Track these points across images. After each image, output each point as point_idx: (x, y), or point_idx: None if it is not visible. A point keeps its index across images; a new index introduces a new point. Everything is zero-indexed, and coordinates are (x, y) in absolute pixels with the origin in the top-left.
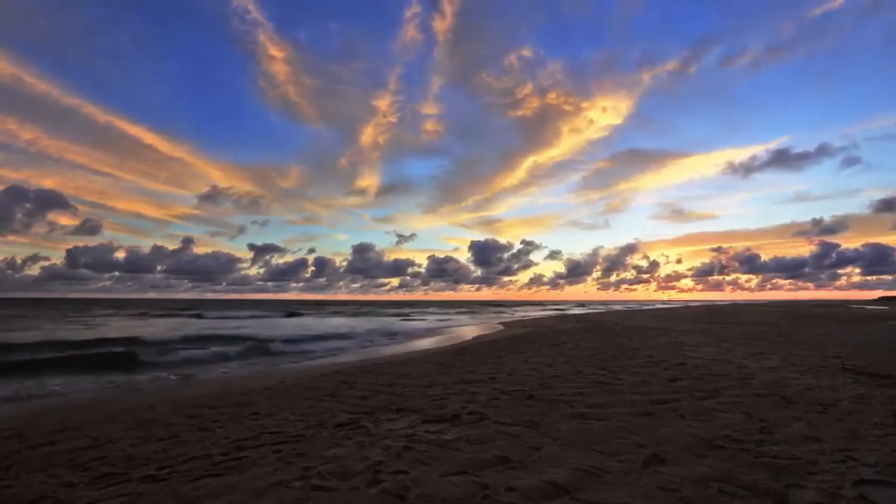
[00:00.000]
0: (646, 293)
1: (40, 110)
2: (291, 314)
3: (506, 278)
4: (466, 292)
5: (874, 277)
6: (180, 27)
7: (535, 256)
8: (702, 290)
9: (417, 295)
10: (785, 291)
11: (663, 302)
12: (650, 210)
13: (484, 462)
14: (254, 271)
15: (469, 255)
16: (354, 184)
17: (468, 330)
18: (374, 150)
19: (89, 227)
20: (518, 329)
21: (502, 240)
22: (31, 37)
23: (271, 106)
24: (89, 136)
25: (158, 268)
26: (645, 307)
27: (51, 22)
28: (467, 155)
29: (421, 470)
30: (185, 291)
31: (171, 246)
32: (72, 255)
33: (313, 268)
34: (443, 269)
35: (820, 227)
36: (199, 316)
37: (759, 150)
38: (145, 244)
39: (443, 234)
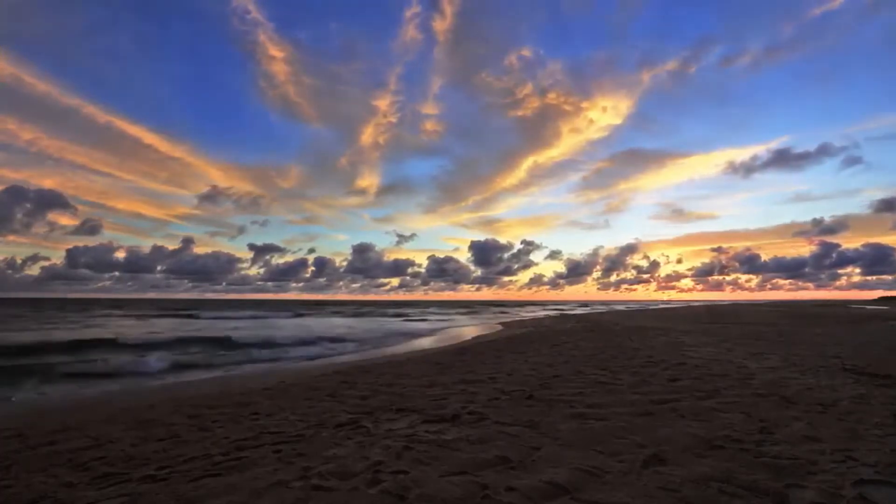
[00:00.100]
0: (646, 293)
1: (40, 110)
2: (298, 314)
3: (506, 278)
4: (466, 292)
5: (874, 277)
6: (180, 27)
7: (535, 256)
8: (702, 290)
9: (417, 295)
10: (785, 291)
11: (663, 302)
12: (650, 210)
13: (484, 462)
14: (254, 271)
15: (469, 255)
16: (354, 184)
17: (468, 330)
18: (374, 150)
19: (89, 227)
20: (518, 329)
21: (502, 240)
22: (31, 37)
23: (271, 106)
24: (89, 136)
25: (158, 268)
26: (645, 307)
27: (51, 22)
28: (467, 155)
29: (421, 470)
30: (185, 291)
31: (171, 246)
32: (72, 255)
33: (313, 268)
34: (443, 269)
35: (820, 227)
36: (192, 316)
37: (759, 149)
38: (145, 244)
39: (443, 234)
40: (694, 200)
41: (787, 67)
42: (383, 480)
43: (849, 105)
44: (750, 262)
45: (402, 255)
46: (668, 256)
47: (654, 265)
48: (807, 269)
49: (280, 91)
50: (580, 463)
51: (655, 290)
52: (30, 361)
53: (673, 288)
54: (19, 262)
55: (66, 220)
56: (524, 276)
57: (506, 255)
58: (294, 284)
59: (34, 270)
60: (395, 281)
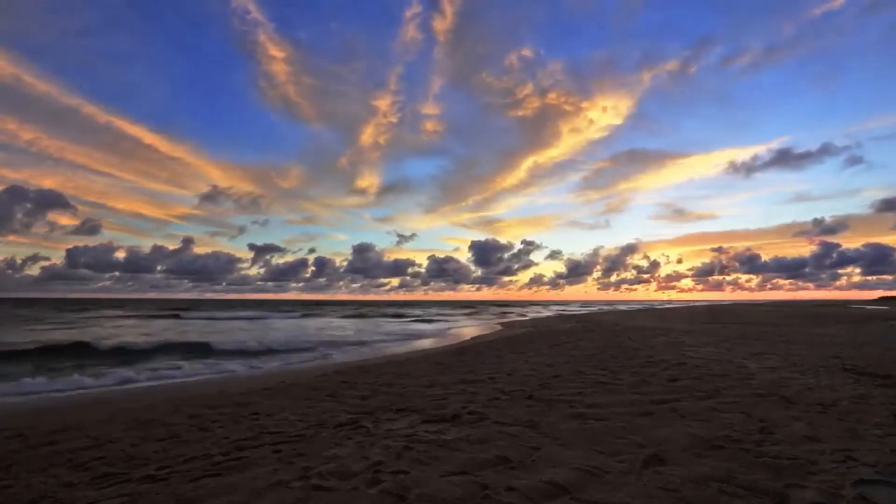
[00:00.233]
0: (646, 293)
1: (40, 110)
2: (291, 315)
3: (506, 278)
4: (467, 292)
5: (874, 277)
6: (180, 27)
7: (535, 256)
8: (702, 290)
9: (418, 295)
10: (785, 291)
11: (663, 302)
12: (650, 210)
13: (484, 462)
14: (254, 271)
15: (469, 255)
16: (354, 184)
17: (468, 330)
18: (375, 150)
19: (89, 227)
20: (518, 329)
21: (503, 240)
22: (31, 37)
23: (271, 106)
24: (89, 136)
25: (158, 268)
26: (646, 307)
27: (51, 22)
28: (467, 155)
29: (421, 470)
30: (186, 291)
31: (171, 246)
32: (72, 255)
33: (313, 268)
34: (443, 269)
35: (821, 227)
36: (178, 317)
37: (759, 149)
38: (145, 244)
39: (443, 234)
40: (694, 200)
41: (787, 67)
42: (383, 480)
43: (850, 105)
44: (750, 262)
45: (403, 255)
46: (668, 256)
47: (655, 265)
48: (807, 269)
49: (280, 91)
50: (580, 463)
51: (655, 291)
52: None
53: (673, 288)
54: (19, 262)
55: (66, 220)
56: (524, 277)
57: (506, 255)
58: (294, 284)
59: (34, 270)
60: (395, 281)
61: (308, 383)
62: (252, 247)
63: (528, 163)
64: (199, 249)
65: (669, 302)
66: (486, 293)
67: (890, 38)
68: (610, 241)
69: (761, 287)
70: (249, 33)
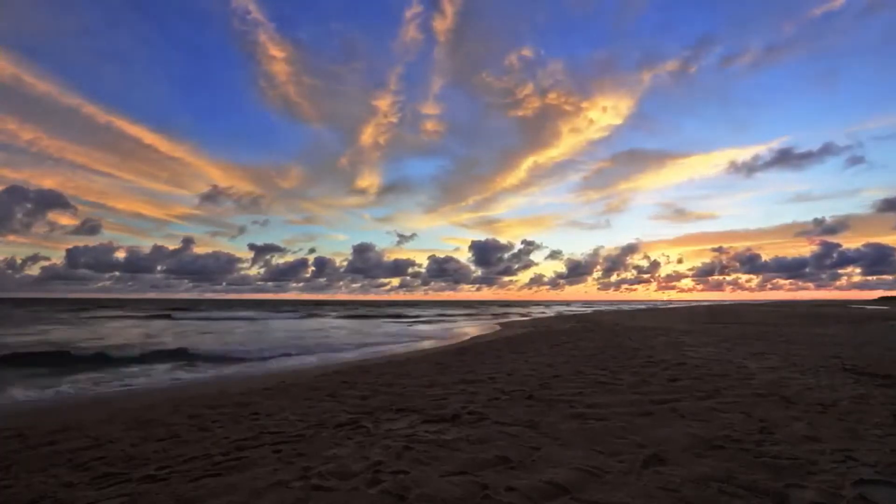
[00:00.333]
0: (646, 293)
1: (40, 110)
2: (311, 315)
3: (506, 278)
4: (467, 292)
5: (874, 277)
6: (180, 27)
7: (535, 256)
8: (702, 290)
9: (418, 295)
10: (785, 291)
11: (664, 302)
12: (651, 210)
13: (484, 462)
14: (254, 271)
15: (469, 254)
16: (354, 184)
17: (468, 330)
18: (375, 150)
19: (89, 227)
20: (518, 329)
21: (503, 240)
22: (31, 37)
23: (271, 106)
24: (89, 136)
25: (158, 268)
26: (646, 307)
27: (51, 22)
28: (468, 155)
29: (421, 470)
30: (186, 291)
31: (172, 246)
32: (72, 255)
33: (313, 268)
34: (443, 269)
35: (821, 227)
36: (168, 317)
37: (760, 149)
38: (145, 244)
39: (443, 234)
40: (694, 200)
41: (787, 67)
42: (383, 480)
43: (851, 104)
44: (750, 262)
45: (403, 255)
46: (668, 256)
47: (655, 265)
48: (807, 269)
49: (280, 91)
50: (580, 463)
51: (656, 290)
52: None
53: (673, 288)
54: (19, 262)
55: (66, 220)
56: (524, 276)
57: (506, 255)
58: (294, 284)
59: (34, 270)
60: (395, 281)
61: (308, 383)
62: (252, 247)
63: (528, 163)
64: (199, 249)
65: (669, 302)
66: (487, 293)
67: (890, 38)
68: (610, 241)
69: (761, 287)
70: (249, 33)
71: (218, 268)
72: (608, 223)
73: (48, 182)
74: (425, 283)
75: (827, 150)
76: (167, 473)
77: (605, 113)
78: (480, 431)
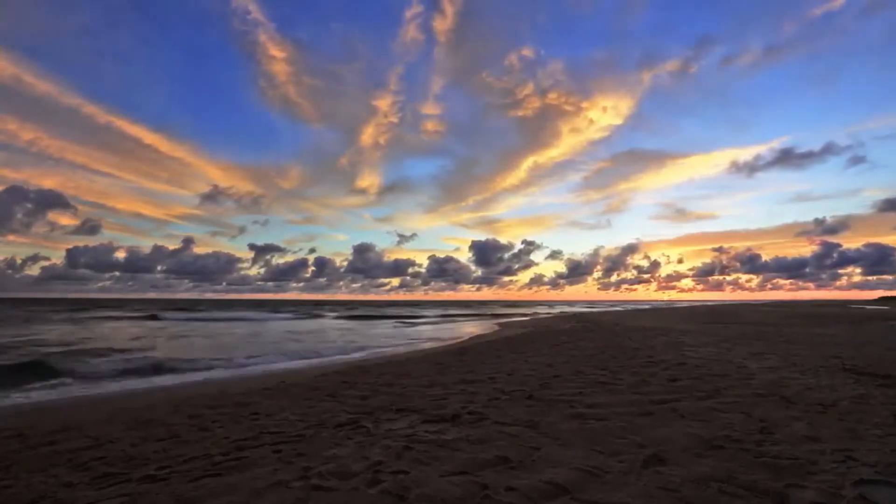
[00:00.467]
0: (646, 293)
1: (40, 110)
2: (315, 315)
3: (506, 278)
4: (467, 292)
5: (875, 277)
6: (180, 27)
7: (535, 256)
8: (702, 290)
9: (418, 295)
10: (785, 291)
11: (664, 302)
12: (651, 210)
13: (484, 462)
14: (254, 271)
15: (470, 254)
16: (355, 184)
17: (468, 330)
18: (375, 150)
19: (89, 227)
20: (518, 329)
21: (503, 240)
22: (31, 37)
23: (272, 106)
24: (89, 136)
25: (158, 268)
26: (646, 307)
27: (51, 22)
28: (468, 155)
29: (421, 470)
30: (186, 291)
31: (172, 246)
32: (72, 255)
33: (313, 268)
34: (443, 269)
35: (822, 227)
36: (154, 318)
37: (760, 149)
38: (145, 244)
39: (443, 234)
40: (694, 200)
41: (788, 67)
42: (383, 480)
43: (852, 104)
44: (751, 262)
45: (403, 255)
46: (668, 256)
47: (655, 265)
48: (808, 269)
49: (280, 91)
50: (580, 463)
51: (656, 291)
52: None
53: (673, 288)
54: (19, 262)
55: (66, 220)
56: (525, 276)
57: (506, 255)
58: (294, 284)
59: (34, 270)
60: (395, 281)
61: (308, 383)
62: (252, 247)
63: (528, 163)
64: (199, 249)
65: (670, 302)
66: (487, 293)
67: (891, 37)
68: (610, 241)
69: (762, 287)
70: (249, 33)
71: (218, 268)
72: (608, 223)
73: (48, 182)
74: (425, 283)
75: (828, 150)
76: (167, 473)
77: (606, 113)
78: (480, 431)
